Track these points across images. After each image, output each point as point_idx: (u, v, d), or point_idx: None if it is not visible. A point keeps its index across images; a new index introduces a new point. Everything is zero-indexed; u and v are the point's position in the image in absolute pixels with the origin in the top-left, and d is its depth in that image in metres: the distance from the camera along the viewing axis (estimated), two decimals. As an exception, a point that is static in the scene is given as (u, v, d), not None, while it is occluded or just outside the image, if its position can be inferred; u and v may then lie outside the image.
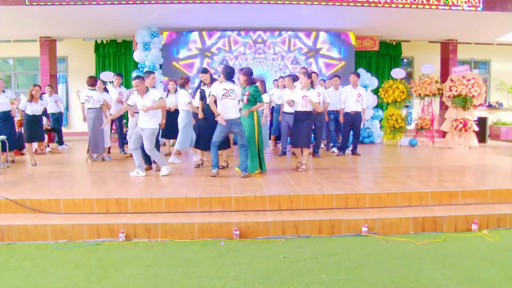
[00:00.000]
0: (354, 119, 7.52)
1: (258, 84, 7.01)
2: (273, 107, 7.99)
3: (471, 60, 11.75)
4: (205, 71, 6.13)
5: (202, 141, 5.99)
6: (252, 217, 4.08)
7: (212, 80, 6.11)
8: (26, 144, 6.94)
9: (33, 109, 6.73)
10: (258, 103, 5.53)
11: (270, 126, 8.19)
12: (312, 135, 7.79)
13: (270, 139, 8.30)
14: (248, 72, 5.57)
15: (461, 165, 6.61)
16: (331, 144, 8.35)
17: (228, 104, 5.32)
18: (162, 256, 3.49)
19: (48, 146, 8.70)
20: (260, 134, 5.65)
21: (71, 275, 3.10)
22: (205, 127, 5.90)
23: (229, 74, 5.43)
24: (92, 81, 6.91)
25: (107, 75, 9.09)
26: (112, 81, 7.92)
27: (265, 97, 7.19)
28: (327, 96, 7.56)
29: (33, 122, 6.80)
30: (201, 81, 6.21)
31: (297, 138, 5.93)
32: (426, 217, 4.13)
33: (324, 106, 7.37)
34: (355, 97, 7.45)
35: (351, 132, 7.77)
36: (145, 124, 5.44)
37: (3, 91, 6.91)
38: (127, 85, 9.64)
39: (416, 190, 4.58)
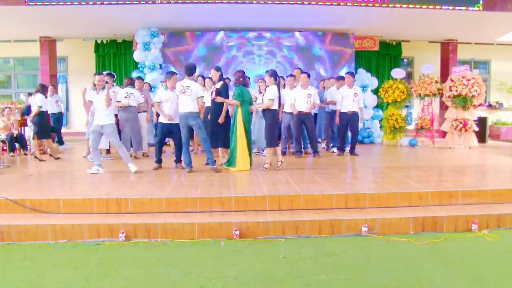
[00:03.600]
0: (351, 119, 7.51)
1: (260, 83, 7.21)
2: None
3: (471, 60, 11.73)
4: (218, 69, 6.25)
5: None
6: (252, 217, 4.08)
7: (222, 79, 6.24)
8: (34, 141, 7.19)
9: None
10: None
11: None
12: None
13: None
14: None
15: (461, 165, 6.61)
16: (331, 144, 8.34)
17: (184, 100, 5.64)
18: (162, 256, 3.49)
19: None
20: (246, 132, 5.82)
21: (71, 275, 3.10)
22: (211, 125, 6.14)
23: (189, 70, 5.76)
24: (130, 81, 7.31)
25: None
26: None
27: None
28: (318, 97, 7.44)
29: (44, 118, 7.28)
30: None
31: (265, 137, 6.04)
32: (426, 217, 4.12)
33: (317, 106, 7.36)
34: (352, 97, 7.44)
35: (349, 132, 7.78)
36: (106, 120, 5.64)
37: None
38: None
39: (416, 190, 4.57)
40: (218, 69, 6.21)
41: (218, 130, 6.23)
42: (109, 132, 5.63)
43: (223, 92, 6.06)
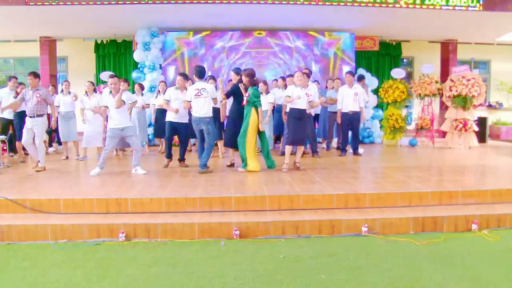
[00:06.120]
0: (352, 119, 7.51)
1: (261, 84, 7.21)
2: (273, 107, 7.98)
3: (471, 60, 11.74)
4: (237, 71, 6.25)
5: (229, 139, 6.16)
6: (252, 217, 4.08)
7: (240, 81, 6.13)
8: (18, 143, 7.05)
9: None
10: (257, 108, 5.68)
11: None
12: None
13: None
14: (250, 74, 5.75)
15: (461, 165, 6.61)
16: (332, 144, 8.36)
17: (200, 102, 5.67)
18: (162, 256, 3.49)
19: (52, 145, 8.72)
20: (261, 135, 5.80)
21: (71, 275, 3.10)
22: (233, 125, 6.07)
23: (200, 73, 5.75)
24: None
25: (107, 75, 9.08)
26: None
27: (269, 97, 7.24)
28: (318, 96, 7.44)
29: (21, 119, 6.90)
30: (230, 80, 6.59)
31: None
32: (426, 217, 4.12)
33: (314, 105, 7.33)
34: (352, 96, 7.45)
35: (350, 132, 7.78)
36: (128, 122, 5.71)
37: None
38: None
39: (416, 190, 4.57)
40: (237, 71, 6.18)
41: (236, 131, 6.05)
42: (130, 134, 5.70)
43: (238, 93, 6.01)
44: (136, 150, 5.75)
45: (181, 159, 6.32)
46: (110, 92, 5.63)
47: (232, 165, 6.24)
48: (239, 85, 5.87)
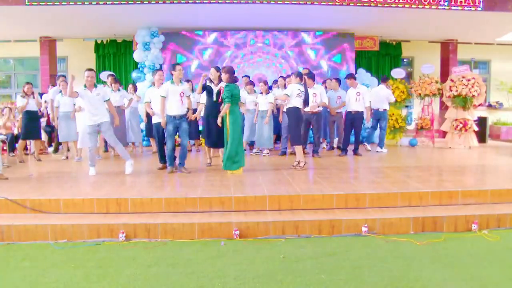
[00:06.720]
0: (354, 119, 7.53)
1: (261, 84, 7.23)
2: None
3: (471, 60, 11.74)
4: (217, 69, 6.15)
5: (209, 139, 6.09)
6: (252, 217, 4.08)
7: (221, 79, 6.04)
8: (21, 141, 7.14)
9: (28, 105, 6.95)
10: (225, 104, 5.58)
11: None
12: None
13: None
14: (229, 71, 5.66)
15: (461, 165, 6.61)
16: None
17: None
18: (162, 256, 3.49)
19: (51, 145, 8.72)
20: (231, 134, 5.61)
21: (71, 275, 3.10)
22: (213, 124, 5.92)
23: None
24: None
25: (107, 75, 9.09)
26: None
27: (269, 97, 7.25)
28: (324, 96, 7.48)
29: (28, 119, 6.99)
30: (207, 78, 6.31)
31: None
32: (426, 217, 4.12)
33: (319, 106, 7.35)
34: (355, 96, 7.47)
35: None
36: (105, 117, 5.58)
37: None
38: (127, 86, 9.58)
39: (416, 190, 4.57)
40: (218, 69, 6.15)
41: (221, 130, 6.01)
42: (105, 129, 5.60)
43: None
44: (114, 145, 5.69)
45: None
46: (85, 86, 5.49)
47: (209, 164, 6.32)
48: (212, 82, 5.94)
